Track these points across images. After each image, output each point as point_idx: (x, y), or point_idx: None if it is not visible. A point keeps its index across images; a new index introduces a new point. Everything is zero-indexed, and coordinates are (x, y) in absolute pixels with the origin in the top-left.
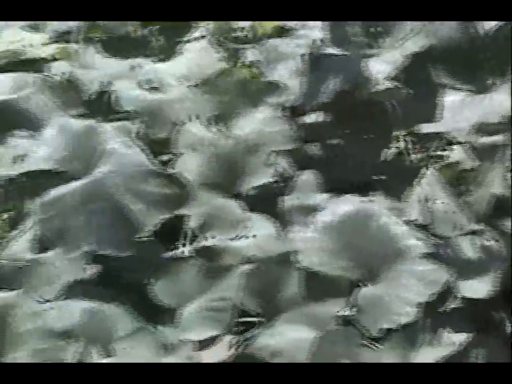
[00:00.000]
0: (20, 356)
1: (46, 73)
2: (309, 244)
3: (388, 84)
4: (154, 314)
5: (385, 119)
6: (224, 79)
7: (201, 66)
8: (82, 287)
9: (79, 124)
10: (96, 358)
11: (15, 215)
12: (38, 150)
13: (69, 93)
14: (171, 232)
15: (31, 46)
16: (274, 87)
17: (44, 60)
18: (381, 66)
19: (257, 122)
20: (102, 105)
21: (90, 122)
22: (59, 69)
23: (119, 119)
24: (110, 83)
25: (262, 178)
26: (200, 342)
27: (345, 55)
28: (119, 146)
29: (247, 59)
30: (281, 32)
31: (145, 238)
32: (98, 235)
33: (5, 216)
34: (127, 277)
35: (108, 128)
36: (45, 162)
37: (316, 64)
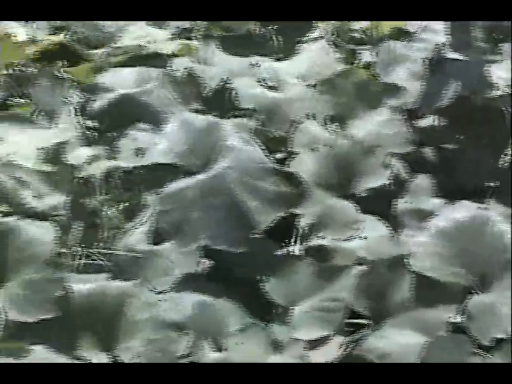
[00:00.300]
0: (134, 344)
1: (168, 68)
2: (422, 248)
3: (507, 90)
4: (265, 311)
5: (502, 125)
6: (343, 80)
7: (319, 66)
8: (195, 281)
9: (200, 119)
10: (208, 351)
11: (132, 206)
12: (159, 144)
13: (189, 88)
14: (283, 230)
15: (155, 42)
16: (393, 89)
17: (166, 56)
18: (503, 73)
19: (374, 123)
20: (221, 102)
21: (211, 118)
22: (180, 64)
23: (237, 116)
24: (229, 80)
25: (378, 180)
26: (310, 341)
27: (467, 60)
28: (239, 142)
29: (364, 60)
30: (399, 35)
31: (258, 235)
32: (213, 230)
33: (121, 207)
34: (238, 272)
35: (228, 124)
36: (165, 155)
37: (437, 68)
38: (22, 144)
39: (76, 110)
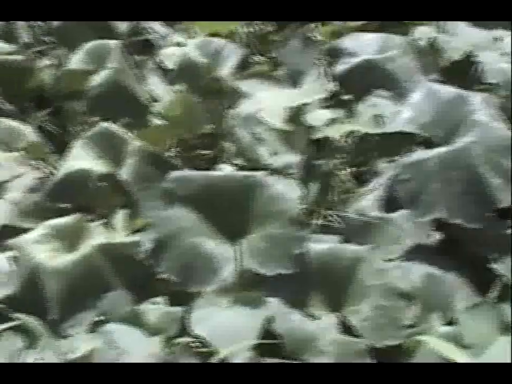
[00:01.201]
0: (362, 308)
1: (411, 37)
2: None
3: None
4: (496, 291)
5: None
6: None
7: None
8: (425, 252)
9: (447, 90)
10: (434, 323)
11: (363, 171)
12: (403, 112)
13: (431, 58)
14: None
15: None
16: None
17: (411, 24)
18: None
19: None
20: (460, 74)
21: (459, 90)
22: (423, 33)
23: (481, 90)
24: (473, 53)
25: None
26: None
27: None
28: (486, 117)
29: None
30: None
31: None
32: (451, 203)
33: (353, 171)
34: (470, 248)
35: (476, 98)
36: (408, 124)
37: None
38: (267, 102)
39: (322, 73)
